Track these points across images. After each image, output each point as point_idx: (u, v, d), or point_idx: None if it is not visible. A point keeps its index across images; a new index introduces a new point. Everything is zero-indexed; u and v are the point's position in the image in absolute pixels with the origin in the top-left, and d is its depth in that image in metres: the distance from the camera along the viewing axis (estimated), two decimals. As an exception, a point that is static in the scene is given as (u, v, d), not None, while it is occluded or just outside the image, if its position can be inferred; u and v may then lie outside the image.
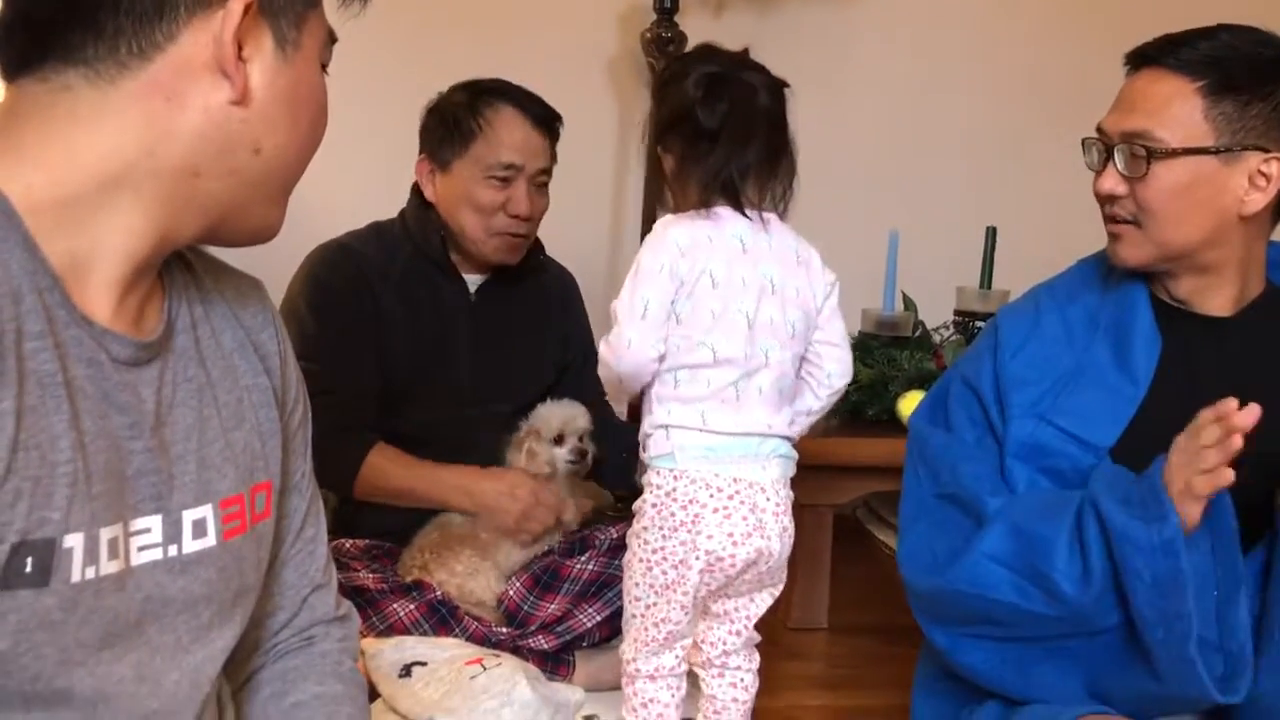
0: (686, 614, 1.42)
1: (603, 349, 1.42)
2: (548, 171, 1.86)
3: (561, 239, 2.09)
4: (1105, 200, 1.24)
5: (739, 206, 1.40)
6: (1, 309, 0.65)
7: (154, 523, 0.76)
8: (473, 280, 1.91)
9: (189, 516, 0.78)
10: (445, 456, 1.86)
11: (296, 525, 0.94)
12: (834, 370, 1.48)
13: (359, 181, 2.01)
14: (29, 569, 0.66)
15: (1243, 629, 1.11)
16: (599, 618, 1.78)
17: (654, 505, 1.40)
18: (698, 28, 2.40)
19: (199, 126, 0.73)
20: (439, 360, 1.86)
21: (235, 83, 0.73)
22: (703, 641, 1.50)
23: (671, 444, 1.39)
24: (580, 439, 1.87)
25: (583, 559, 1.81)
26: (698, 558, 1.38)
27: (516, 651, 1.68)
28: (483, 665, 1.41)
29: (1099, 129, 1.24)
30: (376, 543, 1.86)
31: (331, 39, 0.81)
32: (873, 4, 2.80)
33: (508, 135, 1.79)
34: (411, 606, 1.70)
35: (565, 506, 1.87)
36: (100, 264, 0.73)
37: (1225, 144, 1.16)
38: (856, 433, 2.18)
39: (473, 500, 1.81)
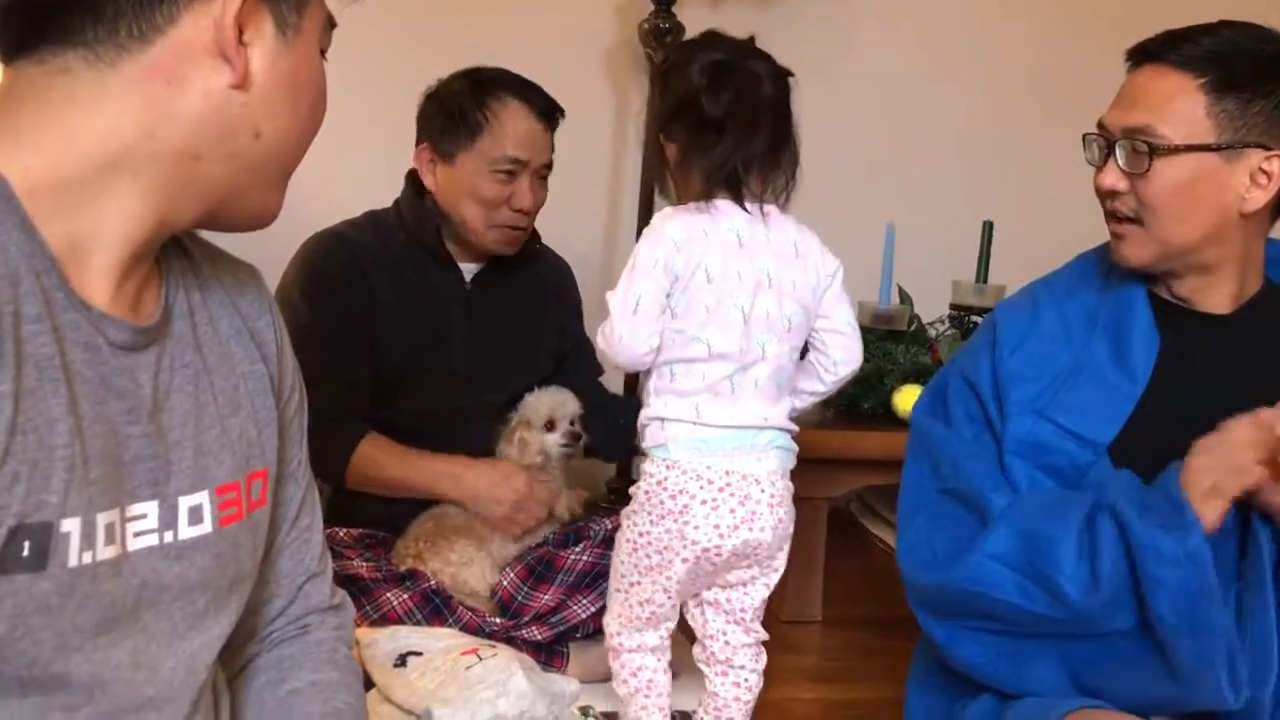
0: (670, 599, 1.44)
1: (599, 340, 1.43)
2: (550, 164, 1.86)
3: (558, 228, 2.09)
4: (1106, 196, 1.23)
5: (739, 199, 1.40)
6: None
7: (150, 508, 0.75)
8: (468, 269, 1.91)
9: (185, 503, 0.78)
10: (439, 446, 1.86)
11: (292, 513, 0.94)
12: (839, 358, 1.48)
13: (356, 168, 2.00)
14: (26, 553, 0.66)
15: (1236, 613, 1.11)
16: (593, 609, 1.77)
17: (645, 492, 1.42)
18: (696, 19, 2.39)
19: (199, 110, 0.73)
20: (434, 349, 1.86)
21: (235, 67, 0.72)
22: (705, 637, 1.50)
23: (665, 435, 1.41)
24: (571, 423, 1.87)
25: (577, 550, 1.81)
26: (685, 547, 1.39)
27: (510, 642, 1.68)
28: (478, 655, 1.41)
29: (1100, 124, 1.23)
30: (371, 532, 1.86)
31: (331, 24, 0.81)
32: (872, -3, 2.80)
33: (513, 129, 1.79)
34: (405, 596, 1.70)
35: (557, 500, 1.87)
36: (98, 247, 0.73)
37: (1227, 141, 1.15)
38: (851, 426, 2.19)
39: (464, 490, 1.81)
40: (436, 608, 1.71)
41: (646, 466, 1.43)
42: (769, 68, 1.41)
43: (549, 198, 1.90)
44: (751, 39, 1.45)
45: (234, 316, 0.86)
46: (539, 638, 1.75)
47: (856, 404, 2.21)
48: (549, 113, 1.83)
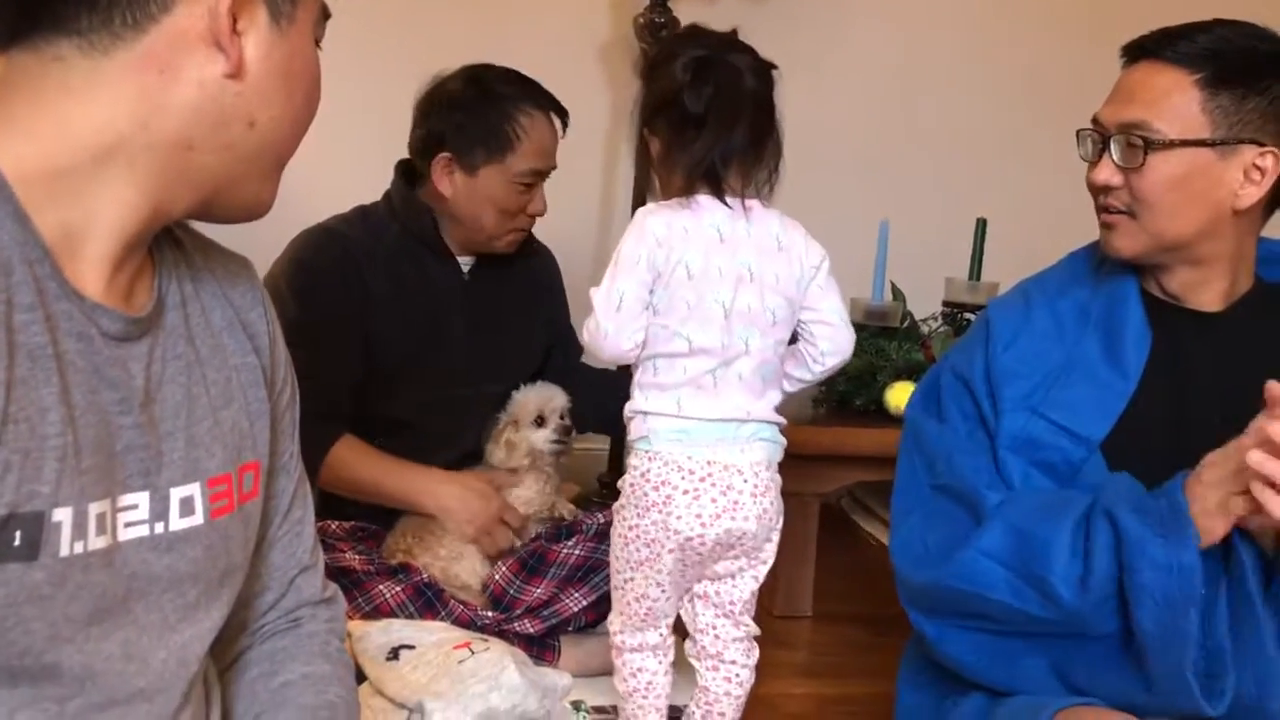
0: (663, 592, 1.45)
1: (584, 335, 1.44)
2: (554, 168, 1.88)
3: (551, 224, 2.08)
4: (1099, 191, 1.23)
5: (720, 194, 1.40)
6: None
7: (142, 499, 0.75)
8: (465, 261, 1.91)
9: (176, 494, 0.78)
10: (435, 439, 1.86)
11: (284, 506, 0.94)
12: (827, 349, 1.48)
13: (350, 161, 2.00)
14: (18, 542, 0.66)
15: (1222, 622, 1.12)
16: (585, 602, 1.78)
17: (631, 485, 1.43)
18: (691, 13, 2.38)
19: (193, 99, 0.72)
20: (433, 340, 1.85)
21: (230, 56, 0.72)
22: (696, 631, 1.50)
23: (647, 427, 1.42)
24: (561, 417, 1.87)
25: (569, 544, 1.82)
26: (669, 537, 1.40)
27: (502, 635, 1.68)
28: (471, 649, 1.41)
29: (1095, 120, 1.23)
30: (362, 524, 1.86)
31: (325, 15, 0.81)
32: (866, -7, 2.80)
33: (540, 143, 1.81)
34: (398, 589, 1.70)
35: (525, 528, 1.86)
36: (92, 237, 0.72)
37: (1221, 137, 1.16)
38: (843, 422, 2.19)
39: (436, 503, 1.81)
40: (429, 601, 1.71)
41: (631, 460, 1.44)
42: (751, 61, 1.41)
43: (546, 192, 1.90)
44: (734, 32, 1.45)
45: (226, 308, 0.86)
46: (531, 631, 1.75)
47: (849, 400, 2.21)
48: (565, 120, 1.86)
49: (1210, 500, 1.06)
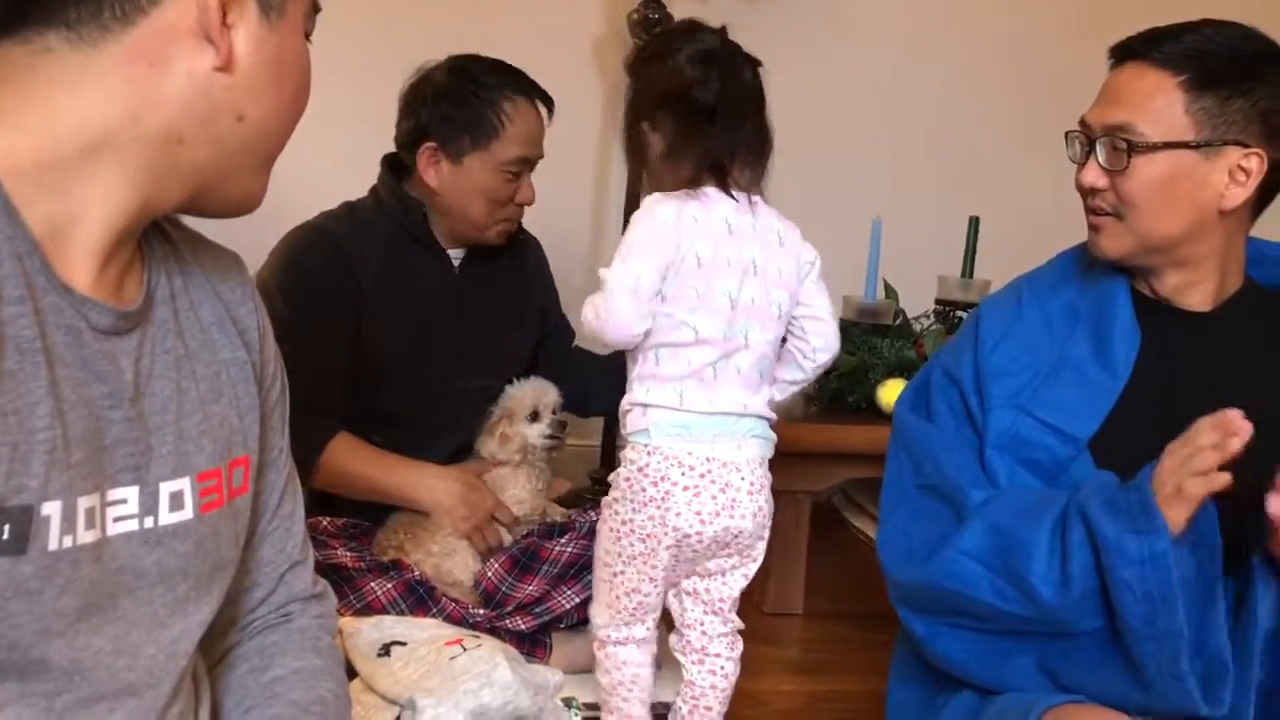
0: (655, 587, 1.45)
1: (589, 313, 1.41)
2: (542, 156, 1.87)
3: (545, 219, 2.09)
4: (1087, 193, 1.24)
5: (726, 187, 1.40)
6: None
7: (131, 493, 0.75)
8: (455, 254, 1.90)
9: (166, 489, 0.78)
10: (428, 434, 1.86)
11: (274, 502, 0.94)
12: (819, 345, 1.48)
13: (341, 156, 1.98)
14: (6, 536, 0.66)
15: (1220, 630, 1.11)
16: (577, 599, 1.78)
17: (626, 479, 1.42)
18: (684, 11, 2.38)
19: (183, 93, 0.72)
20: (425, 336, 1.85)
21: (220, 49, 0.72)
22: (683, 626, 1.51)
23: (647, 420, 1.41)
24: (554, 412, 1.88)
25: (562, 541, 1.81)
26: (666, 534, 1.40)
27: (494, 632, 1.68)
28: (463, 646, 1.40)
29: (1082, 122, 1.24)
30: (354, 521, 1.85)
31: (315, 8, 0.81)
32: (859, -8, 2.80)
33: (525, 130, 1.80)
34: (389, 586, 1.69)
35: (516, 527, 1.87)
36: (81, 231, 0.72)
37: (1205, 139, 1.16)
38: (836, 420, 2.19)
39: (431, 498, 1.80)
40: (420, 598, 1.70)
41: (628, 453, 1.43)
42: (747, 57, 1.43)
43: (538, 187, 1.90)
44: (724, 30, 1.45)
45: (215, 303, 0.86)
46: (523, 628, 1.75)
47: (841, 398, 2.22)
48: (550, 108, 1.85)
49: (1168, 486, 1.07)
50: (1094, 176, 1.21)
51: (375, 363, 1.82)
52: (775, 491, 1.48)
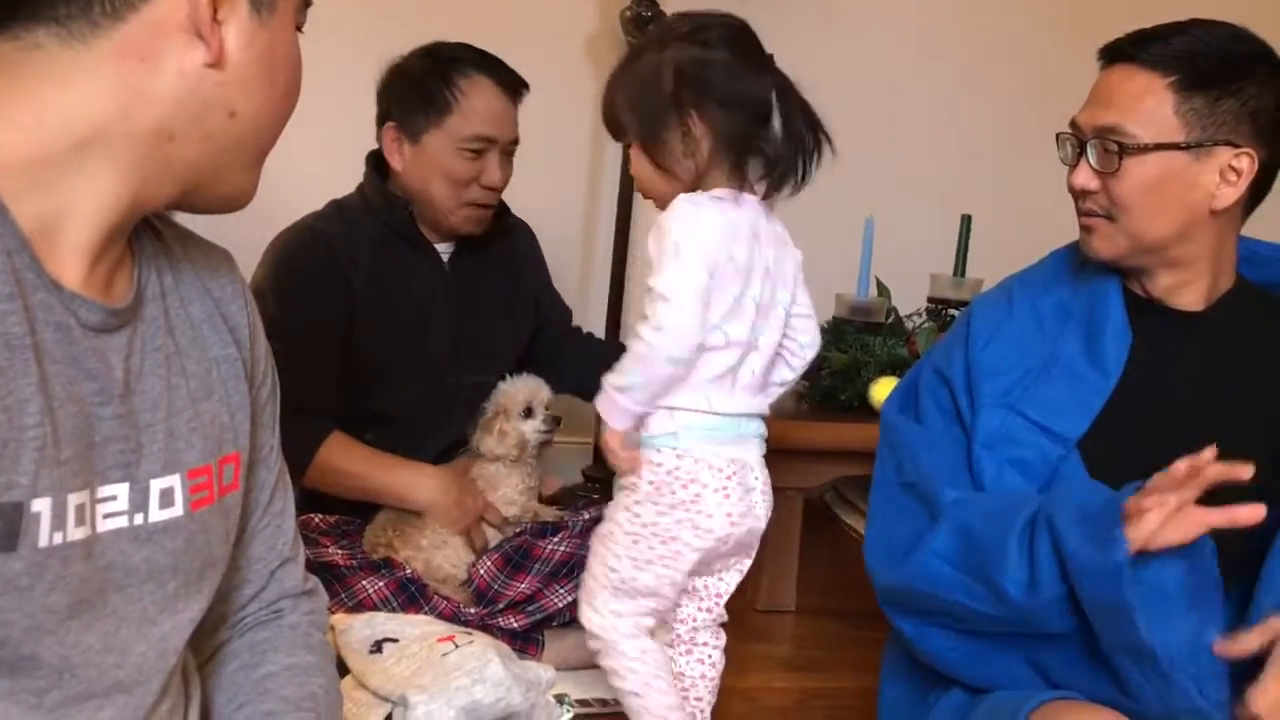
0: (675, 590, 1.42)
1: (646, 334, 1.32)
2: (517, 141, 1.84)
3: (538, 216, 2.09)
4: (1078, 195, 1.24)
5: (745, 186, 1.38)
6: None
7: (121, 490, 0.75)
8: (443, 249, 1.88)
9: (156, 486, 0.78)
10: (421, 431, 1.86)
11: (264, 498, 0.94)
12: (806, 341, 1.48)
13: (333, 153, 1.98)
14: None
15: (1217, 634, 1.10)
16: (570, 598, 1.77)
17: (652, 483, 1.39)
18: (678, 8, 2.38)
19: (173, 89, 0.72)
20: (418, 334, 1.84)
21: (210, 45, 0.72)
22: (676, 621, 1.51)
23: (676, 423, 1.38)
24: (547, 407, 1.88)
25: (555, 539, 1.81)
26: (697, 536, 1.38)
27: (486, 630, 1.68)
28: (455, 643, 1.41)
29: (1072, 124, 1.23)
30: (345, 518, 1.85)
31: (306, 2, 0.80)
32: (853, -10, 2.80)
33: (483, 107, 1.77)
34: (381, 584, 1.69)
35: (505, 527, 1.87)
36: (71, 228, 0.72)
37: (1196, 139, 1.16)
38: (828, 417, 2.19)
39: (428, 498, 1.80)
40: (412, 595, 1.70)
41: (652, 456, 1.39)
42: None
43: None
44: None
45: (206, 300, 0.85)
46: (515, 626, 1.75)
47: (833, 396, 2.22)
48: (515, 88, 1.81)
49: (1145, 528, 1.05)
50: (1085, 178, 1.21)
51: (368, 362, 1.81)
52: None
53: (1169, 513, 1.03)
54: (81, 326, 0.72)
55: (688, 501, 1.38)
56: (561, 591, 1.78)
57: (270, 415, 0.94)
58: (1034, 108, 2.83)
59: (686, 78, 1.35)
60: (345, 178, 1.89)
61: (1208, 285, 1.25)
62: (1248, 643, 1.08)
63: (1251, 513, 0.98)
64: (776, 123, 1.37)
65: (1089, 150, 1.20)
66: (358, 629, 1.48)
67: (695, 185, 1.37)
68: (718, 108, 1.35)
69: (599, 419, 2.53)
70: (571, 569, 1.79)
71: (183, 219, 0.86)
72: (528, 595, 1.77)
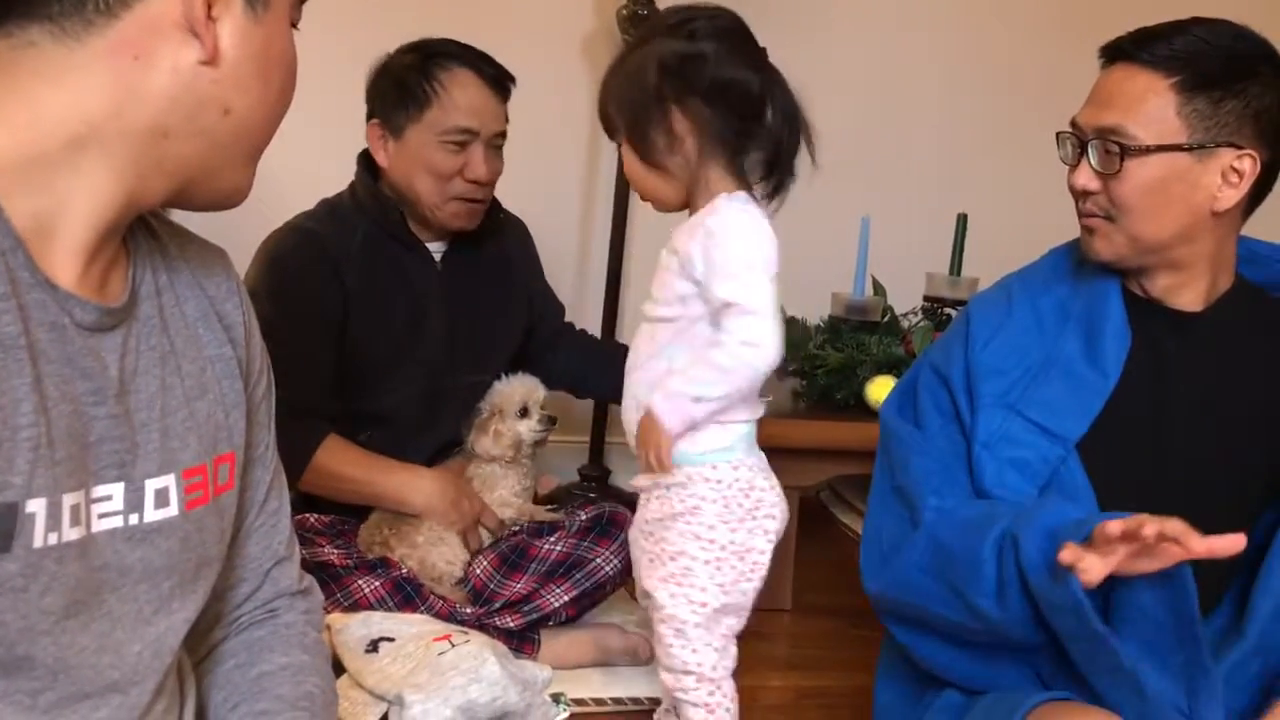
0: (754, 596, 1.41)
1: (748, 355, 1.30)
2: (504, 134, 1.82)
3: (534, 214, 2.08)
4: (1079, 196, 1.23)
5: (743, 184, 1.36)
6: None
7: (116, 490, 0.75)
8: (436, 249, 1.87)
9: (151, 485, 0.77)
10: (415, 431, 1.85)
11: (260, 497, 0.94)
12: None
13: (323, 151, 1.98)
14: None
15: (1200, 653, 1.10)
16: (566, 598, 1.77)
17: (715, 501, 1.36)
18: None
19: (168, 87, 0.72)
20: (412, 335, 1.84)
21: (205, 42, 0.72)
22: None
23: (730, 435, 1.37)
24: (542, 407, 1.88)
25: (551, 539, 1.81)
26: (767, 539, 1.39)
27: (482, 630, 1.68)
28: (451, 642, 1.40)
29: (1073, 123, 1.22)
30: (341, 518, 1.84)
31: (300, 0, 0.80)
32: (848, -11, 2.80)
33: (463, 99, 1.75)
34: (377, 583, 1.69)
35: (499, 528, 1.87)
36: (65, 226, 0.71)
37: (1198, 141, 1.15)
38: (824, 416, 2.19)
39: (425, 502, 1.79)
40: (408, 595, 1.70)
41: (708, 474, 1.36)
42: None
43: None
44: None
45: (201, 299, 0.85)
46: (511, 625, 1.75)
47: (829, 394, 2.22)
48: (499, 80, 1.80)
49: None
50: (1086, 179, 1.20)
51: (361, 362, 1.80)
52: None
53: (1115, 560, 1.01)
54: (76, 326, 0.72)
55: (750, 508, 1.37)
56: (558, 591, 1.78)
57: (265, 414, 0.93)
58: (1029, 107, 2.83)
59: (669, 72, 1.32)
60: (341, 176, 1.89)
61: (1207, 286, 1.24)
62: None
63: (1232, 543, 0.97)
64: (771, 120, 1.34)
65: (1090, 151, 1.19)
66: (354, 628, 1.48)
67: (692, 184, 1.36)
68: (701, 103, 1.32)
69: (597, 418, 2.51)
70: (568, 568, 1.79)
71: (178, 217, 0.86)
72: (524, 595, 1.77)
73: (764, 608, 2.16)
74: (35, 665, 0.71)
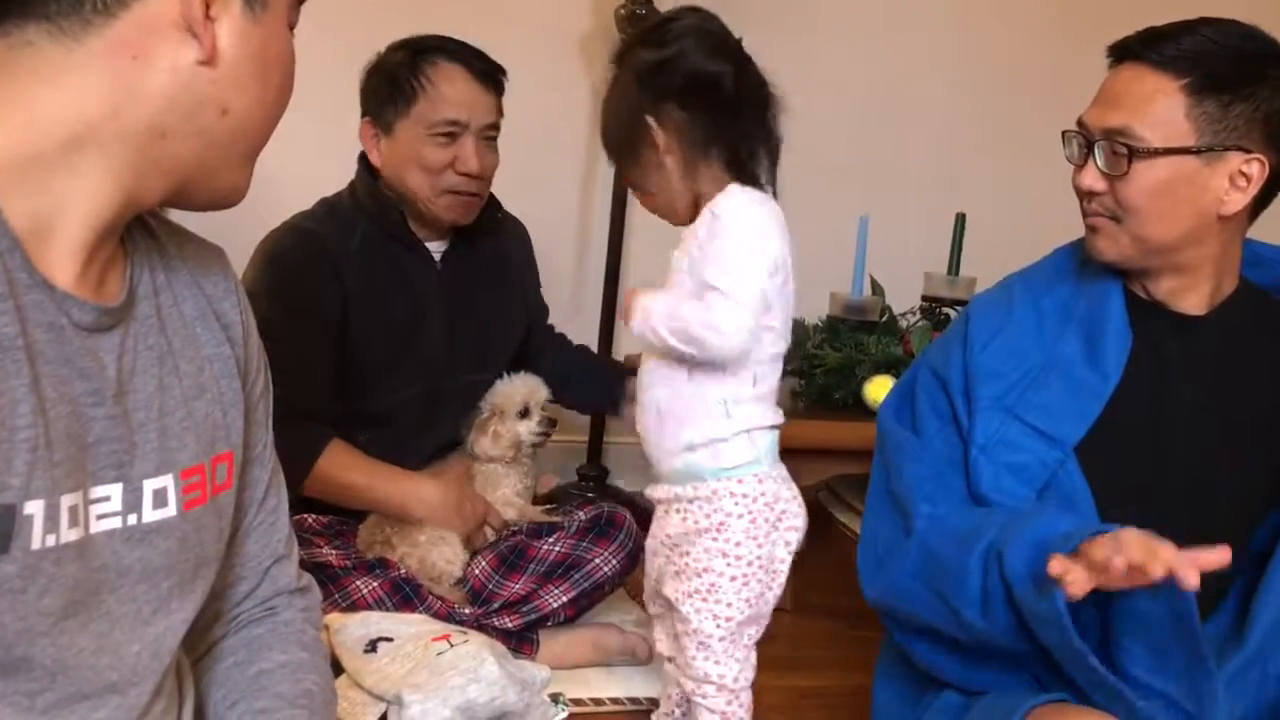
0: (769, 608, 1.41)
1: (701, 331, 1.27)
2: (496, 126, 1.82)
3: (532, 213, 2.08)
4: (1084, 196, 1.22)
5: (759, 184, 1.35)
6: None
7: (114, 491, 0.75)
8: (435, 248, 1.87)
9: (149, 486, 0.77)
10: (414, 431, 1.85)
11: (259, 496, 0.94)
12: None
13: (325, 151, 1.97)
14: None
15: (1203, 658, 1.10)
16: (565, 598, 1.78)
17: (740, 516, 1.34)
18: (671, 5, 2.38)
19: (166, 87, 0.71)
20: (412, 335, 1.83)
21: (203, 43, 0.71)
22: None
23: (756, 449, 1.35)
24: (543, 409, 1.87)
25: (550, 540, 1.81)
26: (789, 549, 1.39)
27: (481, 630, 1.68)
28: (449, 642, 1.40)
29: (1080, 122, 1.21)
30: (339, 518, 1.84)
31: (299, 0, 0.80)
32: (846, -11, 2.80)
33: (450, 91, 1.75)
34: (375, 584, 1.69)
35: (503, 526, 1.87)
36: (63, 226, 0.71)
37: (1207, 144, 1.14)
38: (822, 416, 2.20)
39: (427, 511, 1.78)
40: (406, 596, 1.70)
41: (734, 488, 1.34)
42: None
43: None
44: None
45: (199, 298, 0.85)
46: (509, 626, 1.75)
47: (827, 394, 2.22)
48: (488, 73, 1.79)
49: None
50: (1092, 180, 1.19)
51: (361, 362, 1.80)
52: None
53: (1102, 578, 1.00)
54: (74, 326, 0.72)
55: (773, 520, 1.37)
56: (556, 592, 1.78)
57: (263, 412, 0.93)
58: (1028, 106, 2.84)
59: (643, 83, 1.32)
60: (339, 176, 1.88)
61: (1211, 289, 1.23)
62: None
63: (1218, 557, 0.96)
64: (749, 108, 1.32)
65: (1097, 151, 1.18)
66: (352, 628, 1.48)
67: (691, 192, 1.34)
68: (677, 108, 1.31)
69: (595, 419, 2.51)
70: (567, 569, 1.79)
71: (175, 216, 0.86)
72: (523, 596, 1.77)
73: (763, 607, 2.18)
74: (33, 666, 0.70)
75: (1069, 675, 1.13)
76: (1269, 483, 1.21)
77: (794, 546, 1.41)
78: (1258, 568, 1.18)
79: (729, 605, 1.36)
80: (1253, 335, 1.25)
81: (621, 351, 2.72)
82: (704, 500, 1.36)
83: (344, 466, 1.74)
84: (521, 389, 1.88)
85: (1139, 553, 0.96)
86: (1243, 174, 1.15)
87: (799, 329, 2.34)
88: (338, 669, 1.41)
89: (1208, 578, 1.07)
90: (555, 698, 1.63)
